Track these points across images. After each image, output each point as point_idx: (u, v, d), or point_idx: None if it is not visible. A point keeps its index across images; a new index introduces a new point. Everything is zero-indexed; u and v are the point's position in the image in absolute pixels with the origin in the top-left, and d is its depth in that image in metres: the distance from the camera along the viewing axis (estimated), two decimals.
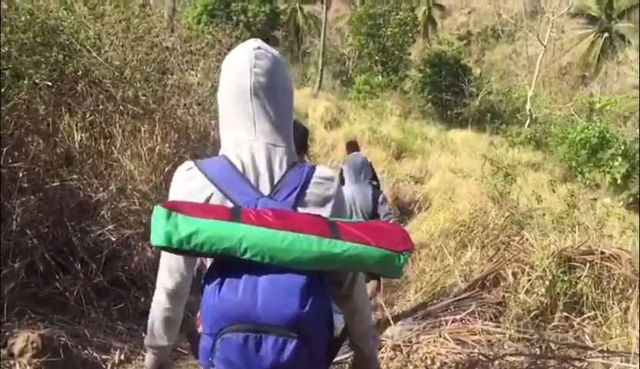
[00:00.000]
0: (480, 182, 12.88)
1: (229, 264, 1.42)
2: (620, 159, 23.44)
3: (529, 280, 4.45)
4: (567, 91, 44.46)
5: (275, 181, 1.59)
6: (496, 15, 66.36)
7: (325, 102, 22.88)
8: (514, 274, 4.56)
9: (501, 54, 61.56)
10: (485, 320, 4.20)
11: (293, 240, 1.40)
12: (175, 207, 1.41)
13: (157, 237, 1.37)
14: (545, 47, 34.96)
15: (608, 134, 24.18)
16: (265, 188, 1.58)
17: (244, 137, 1.63)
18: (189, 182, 1.60)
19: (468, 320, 4.16)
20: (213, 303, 1.42)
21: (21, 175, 3.63)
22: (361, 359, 1.91)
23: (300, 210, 1.56)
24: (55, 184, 3.98)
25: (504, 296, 4.47)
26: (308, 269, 1.42)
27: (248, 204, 1.51)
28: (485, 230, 7.61)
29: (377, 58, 38.22)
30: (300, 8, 47.10)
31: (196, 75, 6.85)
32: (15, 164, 3.66)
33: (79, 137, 4.84)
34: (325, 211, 1.60)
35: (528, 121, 32.84)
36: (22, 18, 4.85)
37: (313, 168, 1.65)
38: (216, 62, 7.05)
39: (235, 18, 32.81)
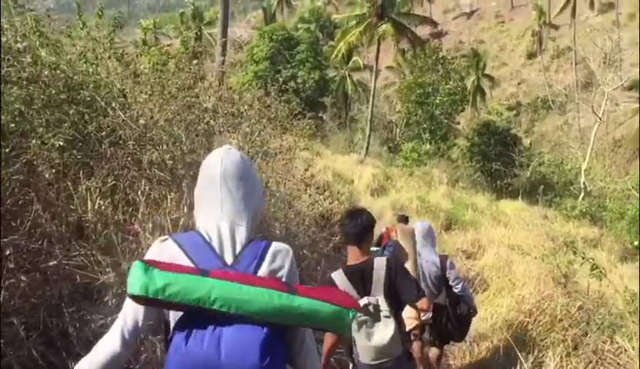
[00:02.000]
0: (540, 261, 11.90)
1: (196, 317, 1.59)
2: None
3: None
4: (622, 165, 43.04)
5: (237, 253, 1.81)
6: (547, 87, 65.70)
7: (372, 169, 22.28)
8: None
9: (551, 125, 60.47)
10: None
11: (256, 292, 1.60)
12: (151, 263, 1.61)
13: (134, 288, 1.56)
14: (600, 119, 33.87)
15: None
16: (229, 259, 1.80)
17: (213, 216, 1.87)
18: (164, 252, 1.79)
19: None
20: (179, 354, 1.59)
21: (8, 253, 3.01)
22: None
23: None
24: (52, 263, 3.34)
25: None
26: (270, 322, 1.60)
27: (214, 269, 1.68)
28: (554, 323, 6.65)
29: (425, 125, 37.87)
30: (349, 75, 47.43)
31: (237, 138, 6.28)
32: (5, 240, 3.05)
33: (97, 204, 4.25)
34: (279, 276, 1.81)
35: (583, 194, 31.66)
36: (45, 73, 4.39)
37: (269, 243, 1.87)
38: (258, 125, 6.48)
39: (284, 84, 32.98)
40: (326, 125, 41.56)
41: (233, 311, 1.58)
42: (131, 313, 1.77)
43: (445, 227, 15.49)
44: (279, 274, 1.83)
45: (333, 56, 41.48)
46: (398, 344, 3.50)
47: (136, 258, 4.36)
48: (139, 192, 4.35)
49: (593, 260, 6.32)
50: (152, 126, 4.60)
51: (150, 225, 4.24)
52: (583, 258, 6.02)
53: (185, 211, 4.46)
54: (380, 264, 3.56)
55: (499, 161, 33.49)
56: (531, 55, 75.49)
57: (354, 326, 3.46)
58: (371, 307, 3.41)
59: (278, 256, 1.86)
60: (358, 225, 3.59)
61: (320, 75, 40.06)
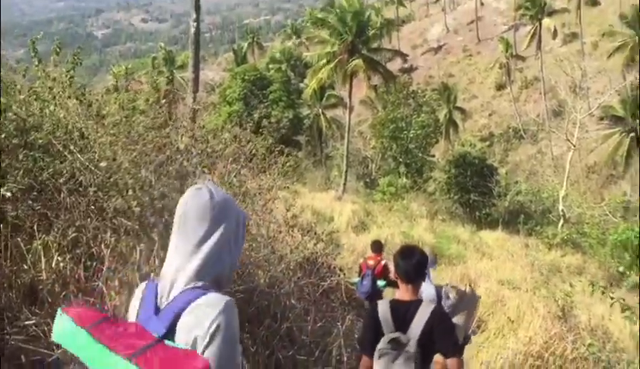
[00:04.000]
0: (532, 294, 11.49)
1: None
2: None
3: None
4: (596, 191, 43.47)
5: (169, 301, 1.74)
6: (518, 117, 66.58)
7: (351, 205, 21.85)
8: None
9: (524, 154, 61.06)
10: None
11: (100, 352, 1.59)
12: (64, 310, 1.70)
13: (55, 336, 1.71)
14: (575, 146, 34.15)
15: None
16: (164, 304, 1.75)
17: (167, 261, 1.82)
18: (137, 292, 1.86)
19: None
20: None
21: None
22: None
23: (176, 330, 1.69)
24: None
25: None
26: None
27: (144, 317, 1.72)
28: (562, 363, 6.16)
29: (400, 159, 37.81)
30: (323, 112, 47.38)
31: (212, 179, 5.76)
32: None
33: (54, 261, 3.68)
34: (193, 335, 1.67)
35: (562, 221, 31.68)
36: None
37: (205, 293, 1.72)
38: (234, 164, 5.97)
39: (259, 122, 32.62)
40: (302, 163, 41.27)
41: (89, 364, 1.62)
42: None
43: (432, 263, 14.99)
44: (197, 329, 1.67)
45: (306, 93, 41.47)
46: None
47: None
48: (103, 245, 3.79)
49: (624, 300, 5.89)
50: (116, 169, 4.05)
51: (116, 282, 3.68)
52: (612, 299, 5.55)
53: (157, 263, 3.91)
54: (426, 309, 3.53)
55: (477, 191, 33.49)
56: (500, 87, 76.78)
57: (375, 354, 3.49)
58: (398, 338, 3.43)
59: (200, 309, 1.69)
60: (412, 263, 3.63)
61: (294, 114, 39.92)
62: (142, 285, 1.84)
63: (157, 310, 1.72)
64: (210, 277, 1.78)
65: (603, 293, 11.17)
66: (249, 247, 5.52)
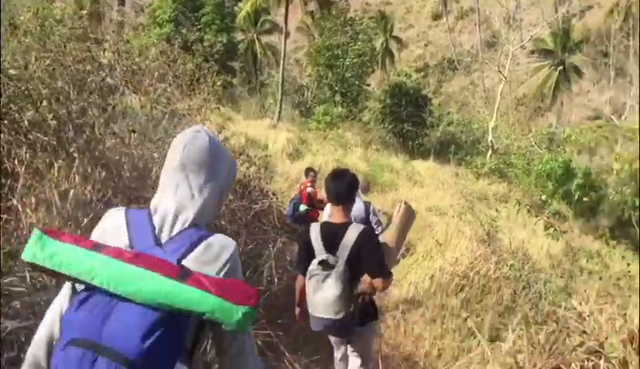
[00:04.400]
0: (459, 220, 11.84)
1: (94, 291, 1.57)
2: (587, 190, 23.05)
3: None
4: (524, 122, 44.76)
5: (172, 235, 1.75)
6: (452, 47, 67.03)
7: (286, 133, 21.67)
8: None
9: (458, 85, 61.94)
10: None
11: (136, 273, 1.54)
12: (48, 232, 1.62)
13: (25, 254, 1.60)
14: (506, 78, 34.80)
15: (572, 165, 23.79)
16: (165, 238, 1.74)
17: (166, 197, 1.82)
18: (109, 218, 1.82)
19: None
20: (68, 317, 1.59)
21: None
22: None
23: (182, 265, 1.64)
24: None
25: None
26: (154, 305, 1.53)
27: (141, 250, 1.66)
28: (485, 282, 6.40)
29: (336, 88, 37.49)
30: (258, 38, 46.12)
31: (139, 97, 5.49)
32: None
33: None
34: (204, 271, 1.65)
35: (490, 151, 32.57)
36: None
37: (210, 234, 1.77)
38: (161, 83, 5.69)
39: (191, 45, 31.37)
40: (236, 90, 40.41)
41: (113, 289, 1.54)
42: (60, 298, 1.78)
43: (364, 190, 15.17)
44: (210, 267, 1.70)
45: (240, 17, 40.14)
46: (343, 305, 3.53)
47: (15, 243, 3.64)
48: (17, 160, 3.55)
49: (548, 218, 6.06)
50: (29, 79, 3.75)
51: (33, 199, 3.48)
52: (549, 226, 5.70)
53: (77, 180, 3.70)
54: (354, 231, 3.59)
55: (410, 122, 33.76)
56: (436, 17, 76.69)
57: (307, 275, 3.61)
58: (326, 258, 3.52)
59: (214, 248, 1.74)
60: (344, 186, 3.70)
61: (228, 38, 38.68)
62: (118, 212, 1.83)
63: (157, 242, 1.72)
64: (205, 221, 1.85)
65: (528, 211, 11.60)
66: None
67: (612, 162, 26.46)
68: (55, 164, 3.70)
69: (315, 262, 3.57)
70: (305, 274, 3.71)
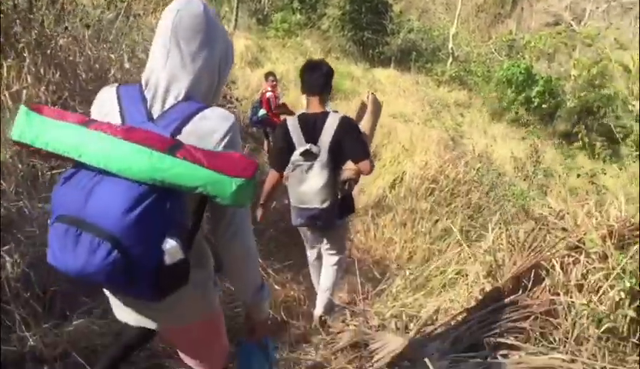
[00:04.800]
0: (424, 126, 11.80)
1: (81, 167, 1.54)
2: (547, 96, 23.26)
3: (586, 273, 3.19)
4: (484, 29, 44.41)
5: (165, 109, 1.68)
6: None
7: (244, 41, 20.92)
8: (562, 266, 3.28)
9: None
10: (541, 344, 2.91)
11: (127, 149, 1.49)
12: (36, 109, 1.58)
13: (13, 133, 1.56)
14: None
15: (533, 72, 23.83)
16: (157, 111, 1.69)
17: (157, 68, 1.71)
18: (103, 94, 1.77)
19: (515, 348, 2.87)
20: (55, 194, 1.55)
21: None
22: (245, 311, 1.96)
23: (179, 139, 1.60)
24: None
25: (553, 301, 3.19)
26: (143, 181, 1.49)
27: (133, 124, 1.61)
28: (454, 186, 6.39)
29: None
30: None
31: None
32: None
33: None
34: (202, 145, 1.61)
35: (450, 59, 32.39)
36: None
37: (206, 106, 1.69)
38: None
39: None
40: None
41: (100, 166, 1.51)
42: None
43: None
44: (206, 141, 1.64)
45: None
46: (328, 194, 3.59)
47: None
48: None
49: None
50: None
51: None
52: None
53: (29, 81, 3.40)
54: (334, 118, 3.62)
55: (370, 29, 33.05)
56: None
57: (289, 166, 3.63)
58: (309, 148, 3.54)
59: (210, 121, 1.67)
60: (320, 76, 3.71)
61: None
62: (110, 89, 1.76)
63: (149, 117, 1.67)
64: (200, 95, 1.75)
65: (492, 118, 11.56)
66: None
67: (571, 68, 26.70)
68: (4, 64, 3.38)
69: (296, 153, 3.59)
70: (280, 170, 3.74)
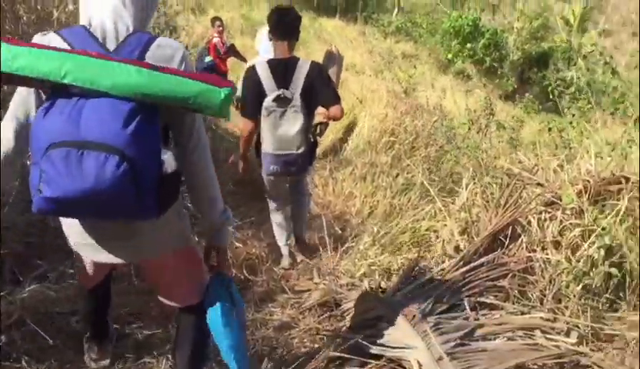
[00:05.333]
0: (375, 78, 11.64)
1: (59, 94, 1.54)
2: (492, 49, 23.39)
3: (562, 229, 3.14)
4: None
5: (120, 41, 1.70)
6: None
7: None
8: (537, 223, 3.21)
9: None
10: (521, 303, 2.87)
11: (113, 67, 1.53)
12: (9, 40, 1.55)
13: None
14: None
15: (479, 24, 23.84)
16: (111, 46, 1.69)
17: (96, 10, 1.73)
18: (44, 38, 1.68)
19: (495, 307, 2.79)
20: (39, 124, 1.53)
21: None
22: (207, 232, 1.99)
23: None
24: None
25: (530, 258, 3.13)
26: (132, 97, 1.54)
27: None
28: (413, 139, 6.30)
29: None
30: None
31: None
32: None
33: None
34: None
35: (396, 10, 32.14)
36: None
37: (157, 36, 1.77)
38: None
39: None
40: None
41: (87, 86, 1.52)
42: (19, 101, 1.72)
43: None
44: (168, 64, 1.70)
45: None
46: (303, 139, 3.63)
47: None
48: None
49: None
50: None
51: None
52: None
53: None
54: (304, 64, 3.65)
55: None
56: None
57: (263, 112, 3.62)
58: (282, 94, 3.53)
59: (167, 48, 1.76)
60: (289, 21, 3.70)
61: None
62: (50, 34, 1.71)
63: (105, 50, 1.66)
64: (142, 28, 1.79)
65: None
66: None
67: (515, 21, 26.88)
68: None
69: (269, 99, 3.57)
70: (253, 117, 3.70)
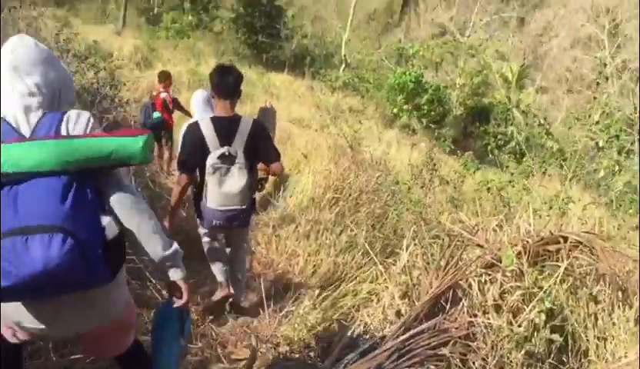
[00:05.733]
0: (321, 132, 11.68)
1: None
2: (435, 104, 24.09)
3: (503, 292, 3.07)
4: (375, 38, 45.52)
5: (32, 126, 1.80)
6: None
7: (133, 41, 19.99)
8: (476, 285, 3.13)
9: None
10: None
11: (31, 145, 1.63)
12: None
13: None
14: None
15: (423, 80, 24.54)
16: (26, 133, 1.78)
17: (6, 101, 1.84)
18: None
19: None
20: None
21: None
22: (163, 278, 2.03)
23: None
24: None
25: (472, 323, 3.03)
26: (59, 170, 1.62)
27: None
28: (357, 195, 6.25)
29: None
30: None
31: None
32: None
33: None
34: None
35: (343, 65, 32.88)
36: None
37: (64, 113, 1.86)
38: None
39: None
40: None
41: (12, 170, 1.58)
42: None
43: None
44: (78, 132, 1.82)
45: None
46: (247, 195, 3.72)
47: None
48: None
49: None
50: None
51: None
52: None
53: None
54: (246, 122, 3.74)
55: (264, 33, 32.91)
56: None
57: (208, 169, 3.65)
58: (227, 152, 3.59)
59: (77, 120, 1.84)
60: (231, 80, 3.75)
61: None
62: None
63: (21, 136, 1.75)
64: (52, 109, 1.88)
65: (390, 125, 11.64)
66: None
67: (456, 77, 27.85)
68: None
69: (213, 156, 3.60)
70: (191, 174, 3.76)
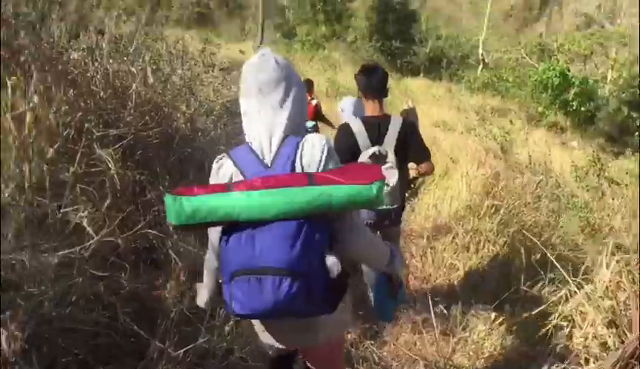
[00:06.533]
0: (467, 135, 11.11)
1: (233, 226, 1.75)
2: (585, 99, 22.38)
3: None
4: (513, 34, 43.61)
5: (273, 155, 1.88)
6: None
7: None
8: None
9: None
10: None
11: (274, 197, 1.70)
12: (179, 192, 1.76)
13: (170, 217, 1.76)
14: None
15: (569, 74, 22.88)
16: (268, 159, 1.89)
17: (254, 125, 1.93)
18: (221, 168, 1.95)
19: None
20: (223, 254, 1.78)
21: None
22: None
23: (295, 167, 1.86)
24: None
25: None
26: (297, 217, 1.71)
27: (255, 175, 1.82)
28: (522, 204, 5.70)
29: (318, 7, 35.86)
30: None
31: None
32: None
33: None
34: (314, 163, 1.88)
35: (481, 66, 31.77)
36: None
37: (302, 138, 1.91)
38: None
39: None
40: (214, 14, 38.68)
41: (257, 218, 1.70)
42: (214, 234, 1.97)
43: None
44: (315, 167, 1.87)
45: None
46: (398, 195, 3.64)
47: None
48: None
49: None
50: None
51: None
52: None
53: (36, 100, 2.85)
54: (397, 121, 3.65)
55: (398, 39, 32.59)
56: None
57: None
58: (377, 151, 3.52)
59: (312, 149, 1.89)
60: (379, 79, 3.67)
61: None
62: (224, 160, 1.94)
63: (265, 166, 1.86)
64: (294, 128, 1.94)
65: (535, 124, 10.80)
66: (162, 86, 4.46)
67: (608, 69, 25.71)
68: (8, 82, 2.82)
69: (364, 155, 3.55)
70: None
